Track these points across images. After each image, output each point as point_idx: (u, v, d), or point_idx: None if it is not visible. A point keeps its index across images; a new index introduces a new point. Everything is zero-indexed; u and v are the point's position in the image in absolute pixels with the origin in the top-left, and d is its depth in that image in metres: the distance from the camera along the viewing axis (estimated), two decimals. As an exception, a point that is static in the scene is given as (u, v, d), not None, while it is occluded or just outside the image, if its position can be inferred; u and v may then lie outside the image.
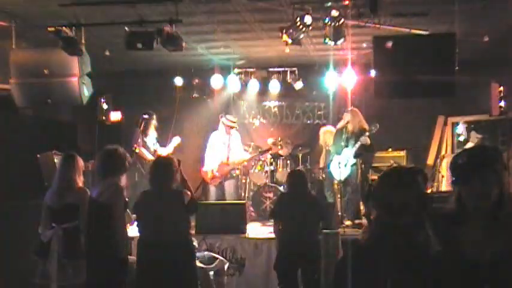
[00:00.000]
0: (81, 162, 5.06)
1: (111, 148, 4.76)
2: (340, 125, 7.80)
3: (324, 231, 5.64)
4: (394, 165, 8.69)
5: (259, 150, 8.71)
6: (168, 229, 4.57)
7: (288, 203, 5.65)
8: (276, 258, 5.63)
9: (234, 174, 8.47)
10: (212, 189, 8.37)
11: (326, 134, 8.49)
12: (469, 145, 9.11)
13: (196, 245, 5.83)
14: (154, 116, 8.32)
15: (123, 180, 7.87)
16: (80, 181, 4.96)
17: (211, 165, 8.24)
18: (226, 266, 6.08)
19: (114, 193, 4.55)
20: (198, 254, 5.71)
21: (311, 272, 5.44)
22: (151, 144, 8.27)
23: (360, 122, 7.58)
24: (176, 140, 8.28)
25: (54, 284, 4.68)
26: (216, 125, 8.45)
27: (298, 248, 5.35)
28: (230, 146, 8.28)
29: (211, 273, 5.80)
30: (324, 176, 8.35)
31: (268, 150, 8.64)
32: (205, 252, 5.99)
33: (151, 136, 8.30)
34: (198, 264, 5.47)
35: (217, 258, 5.95)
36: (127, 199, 4.79)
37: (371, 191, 2.33)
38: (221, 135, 8.32)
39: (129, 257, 4.91)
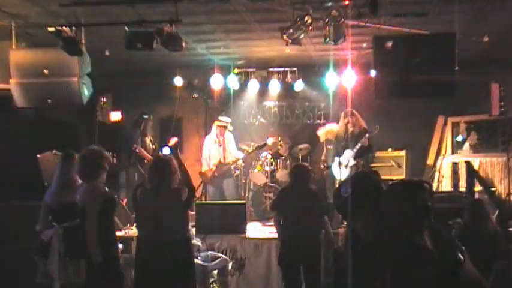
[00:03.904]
0: None
1: (86, 151, 4.75)
2: (339, 126, 7.80)
3: (324, 231, 5.64)
4: (395, 164, 8.77)
5: (255, 145, 8.65)
6: (167, 228, 4.57)
7: (288, 197, 5.65)
8: (279, 253, 5.63)
9: (234, 173, 8.48)
10: (211, 189, 8.39)
11: (327, 133, 8.36)
12: (466, 145, 9.14)
13: (201, 245, 5.84)
14: (152, 117, 8.36)
15: (122, 179, 7.93)
16: (78, 179, 4.94)
17: (208, 166, 8.27)
18: (230, 265, 6.08)
19: (90, 196, 4.51)
20: (201, 254, 5.73)
21: (312, 267, 5.43)
22: (149, 144, 8.29)
23: (359, 123, 7.59)
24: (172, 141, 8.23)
25: (56, 283, 4.68)
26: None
27: (299, 242, 5.35)
28: (225, 147, 8.31)
29: (215, 272, 5.80)
30: (325, 171, 8.32)
31: (263, 146, 8.60)
32: (209, 252, 6.00)
33: (149, 136, 8.33)
34: (199, 262, 5.48)
35: (219, 256, 5.95)
36: (125, 200, 4.79)
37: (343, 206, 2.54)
38: (215, 138, 8.35)
39: (126, 255, 4.92)
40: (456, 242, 2.48)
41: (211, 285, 5.75)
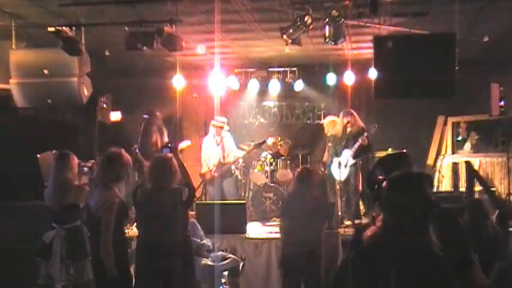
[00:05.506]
0: (75, 160, 4.99)
1: (115, 152, 4.62)
2: (339, 122, 7.79)
3: (324, 231, 5.65)
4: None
5: (254, 143, 8.63)
6: (167, 228, 4.57)
7: (293, 202, 5.65)
8: (281, 256, 5.64)
9: (233, 173, 8.47)
10: (211, 189, 8.38)
11: (329, 123, 8.25)
12: (466, 145, 9.14)
13: (210, 246, 5.83)
14: (152, 116, 8.30)
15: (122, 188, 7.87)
16: (75, 179, 4.91)
17: (208, 167, 8.27)
18: (241, 265, 6.07)
19: (107, 209, 4.40)
20: (211, 254, 5.72)
21: (313, 272, 5.44)
22: (152, 144, 8.23)
23: (357, 123, 7.60)
24: (185, 143, 8.30)
25: (57, 285, 4.66)
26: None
27: (301, 247, 5.36)
28: (224, 147, 8.30)
29: (226, 273, 5.79)
30: (323, 169, 8.30)
31: (262, 143, 8.57)
32: (219, 253, 6.00)
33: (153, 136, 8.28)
34: (208, 262, 5.49)
35: (230, 257, 5.95)
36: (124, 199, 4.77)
37: (379, 192, 2.36)
38: (213, 138, 8.34)
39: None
40: (468, 241, 2.42)
41: (221, 287, 5.75)
